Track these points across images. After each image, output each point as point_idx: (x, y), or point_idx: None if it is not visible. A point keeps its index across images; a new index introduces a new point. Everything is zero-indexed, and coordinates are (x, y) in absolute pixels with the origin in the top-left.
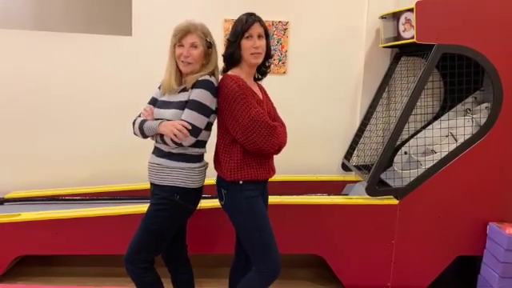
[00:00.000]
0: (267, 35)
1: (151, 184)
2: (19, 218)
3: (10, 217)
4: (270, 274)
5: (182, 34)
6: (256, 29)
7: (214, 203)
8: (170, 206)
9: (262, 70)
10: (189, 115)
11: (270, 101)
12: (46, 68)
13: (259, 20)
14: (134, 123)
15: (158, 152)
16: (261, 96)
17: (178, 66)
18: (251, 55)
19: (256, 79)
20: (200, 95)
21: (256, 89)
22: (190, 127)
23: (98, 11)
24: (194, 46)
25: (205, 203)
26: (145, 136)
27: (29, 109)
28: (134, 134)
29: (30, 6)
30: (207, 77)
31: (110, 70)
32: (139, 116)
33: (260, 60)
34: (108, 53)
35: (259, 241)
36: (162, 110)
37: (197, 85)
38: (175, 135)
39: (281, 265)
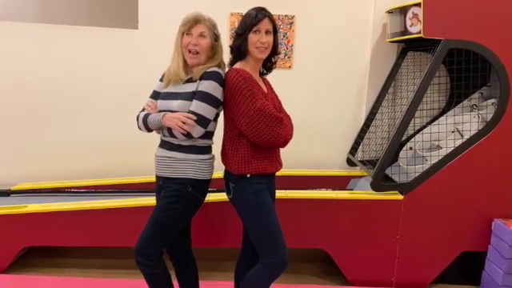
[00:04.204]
0: (275, 31)
1: (158, 177)
2: (26, 209)
3: (17, 208)
4: (277, 267)
5: (191, 23)
6: (265, 24)
7: (222, 197)
8: (183, 197)
9: (268, 66)
10: (198, 106)
11: (276, 95)
12: (52, 61)
13: (269, 15)
14: (137, 118)
15: (167, 145)
16: (266, 90)
17: (184, 56)
18: (256, 49)
19: (261, 74)
20: (209, 86)
21: (261, 83)
22: (194, 118)
23: (105, 4)
24: (202, 35)
25: (212, 197)
26: (149, 130)
27: (36, 101)
28: (139, 128)
29: None
30: (215, 68)
31: (117, 63)
32: (142, 110)
33: (265, 55)
34: (114, 46)
35: (266, 235)
36: (168, 101)
37: (205, 76)
38: (181, 127)
39: (288, 259)
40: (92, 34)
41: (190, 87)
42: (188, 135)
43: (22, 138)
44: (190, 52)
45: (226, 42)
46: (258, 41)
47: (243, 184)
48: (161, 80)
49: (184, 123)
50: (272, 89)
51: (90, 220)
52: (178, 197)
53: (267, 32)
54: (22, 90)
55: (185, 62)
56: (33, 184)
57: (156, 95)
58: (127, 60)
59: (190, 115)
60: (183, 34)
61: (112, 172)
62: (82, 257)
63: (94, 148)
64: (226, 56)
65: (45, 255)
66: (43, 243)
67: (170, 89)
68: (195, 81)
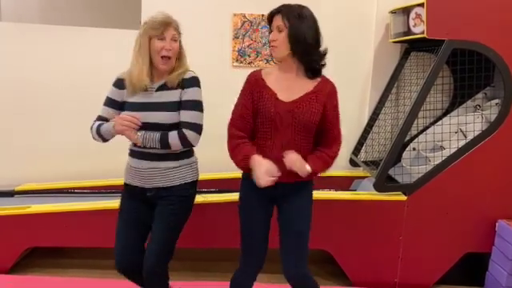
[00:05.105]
0: None
1: (144, 188)
2: (29, 210)
3: (20, 209)
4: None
5: (163, 27)
6: (275, 21)
7: (223, 197)
8: (187, 201)
9: (313, 67)
10: (193, 116)
11: (315, 104)
12: (54, 62)
13: (279, 11)
14: (91, 128)
15: (152, 156)
16: (298, 92)
17: (151, 62)
18: (270, 48)
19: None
20: (196, 94)
21: (294, 83)
22: (139, 123)
23: (107, 5)
24: (174, 39)
25: (213, 197)
26: (105, 140)
27: (39, 101)
28: (94, 138)
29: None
30: (191, 73)
31: (119, 63)
32: (98, 119)
33: (276, 54)
34: (117, 46)
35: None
36: (149, 113)
37: (187, 83)
38: (128, 127)
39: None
40: (94, 35)
41: (172, 96)
42: (187, 144)
43: (26, 138)
44: (162, 58)
45: (229, 42)
46: (270, 40)
47: (241, 183)
48: (116, 86)
49: (130, 122)
50: (320, 94)
51: (94, 221)
52: (182, 202)
53: (279, 29)
54: (26, 89)
55: (151, 67)
56: (36, 184)
57: (112, 103)
58: (130, 60)
59: (135, 120)
60: (151, 38)
61: (114, 172)
62: (86, 257)
63: (99, 149)
64: (230, 58)
65: (48, 256)
66: (47, 244)
67: (142, 98)
68: (171, 88)
